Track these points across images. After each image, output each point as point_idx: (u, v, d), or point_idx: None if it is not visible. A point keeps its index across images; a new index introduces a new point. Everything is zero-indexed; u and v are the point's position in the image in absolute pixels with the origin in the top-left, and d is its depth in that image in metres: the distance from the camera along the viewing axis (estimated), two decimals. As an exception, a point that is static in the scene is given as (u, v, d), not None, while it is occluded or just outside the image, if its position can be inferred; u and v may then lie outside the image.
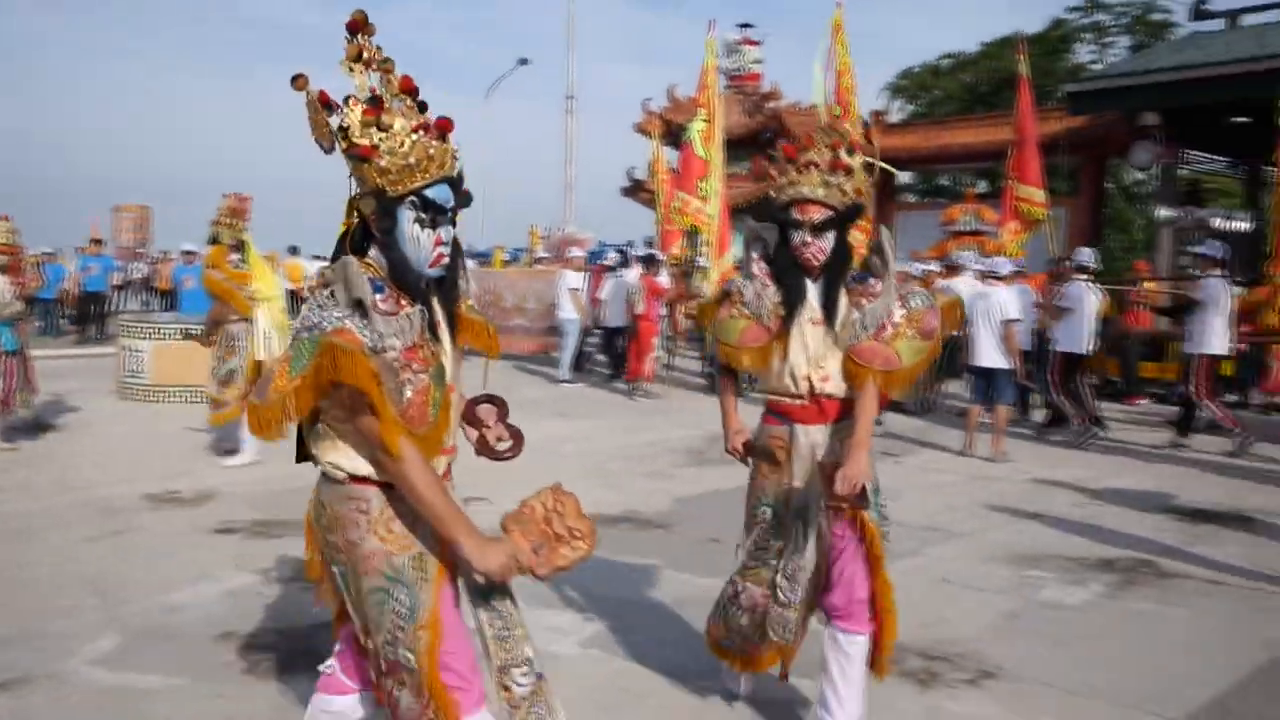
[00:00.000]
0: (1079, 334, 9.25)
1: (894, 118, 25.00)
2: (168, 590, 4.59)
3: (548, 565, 2.23)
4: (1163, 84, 13.59)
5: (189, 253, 14.09)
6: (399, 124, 2.11)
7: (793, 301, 2.99)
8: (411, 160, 2.12)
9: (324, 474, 2.25)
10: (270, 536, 5.54)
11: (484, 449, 2.52)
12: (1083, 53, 26.31)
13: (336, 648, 2.47)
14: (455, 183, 2.21)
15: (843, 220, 2.97)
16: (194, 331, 7.73)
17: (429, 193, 2.15)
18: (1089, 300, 9.33)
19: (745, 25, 21.97)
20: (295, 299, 19.92)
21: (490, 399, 2.56)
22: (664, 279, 12.28)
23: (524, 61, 32.99)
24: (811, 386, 2.99)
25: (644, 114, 21.96)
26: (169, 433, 8.71)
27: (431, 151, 2.14)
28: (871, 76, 49.40)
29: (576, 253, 13.33)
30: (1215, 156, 16.88)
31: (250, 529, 5.69)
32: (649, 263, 12.03)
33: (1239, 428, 8.70)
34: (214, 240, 7.52)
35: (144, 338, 10.47)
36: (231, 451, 7.55)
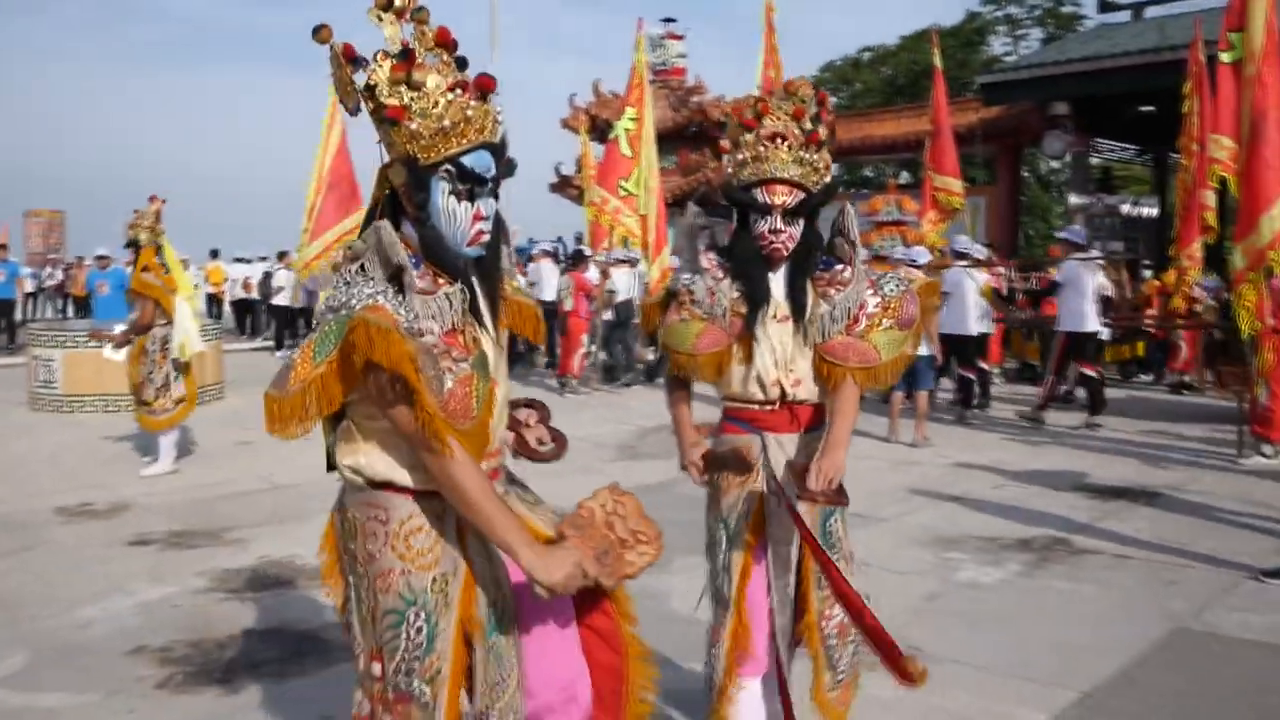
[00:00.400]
0: (959, 318, 9.59)
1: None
2: (78, 606, 4.46)
3: (614, 574, 2.02)
4: (1072, 75, 14.00)
5: (103, 258, 13.67)
6: (433, 81, 1.87)
7: (757, 297, 2.62)
8: (446, 123, 1.87)
9: (345, 480, 2.02)
10: (186, 547, 5.42)
11: (523, 449, 2.29)
12: (997, 45, 26.96)
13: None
14: (497, 150, 1.95)
15: (816, 203, 2.61)
16: (106, 331, 7.51)
17: (466, 160, 1.89)
18: (967, 285, 9.64)
19: (669, 20, 22.07)
20: (215, 302, 19.52)
21: (530, 403, 2.34)
22: (593, 275, 12.26)
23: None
24: (783, 391, 2.65)
25: (571, 109, 21.92)
26: (83, 443, 8.46)
27: (469, 113, 1.89)
28: (794, 70, 49.95)
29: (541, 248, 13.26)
30: (1125, 145, 17.45)
31: (166, 540, 5.56)
32: (577, 259, 12.00)
33: (1043, 406, 9.48)
34: (133, 244, 7.32)
35: (55, 346, 10.14)
36: (152, 459, 7.39)
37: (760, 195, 2.56)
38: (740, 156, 2.61)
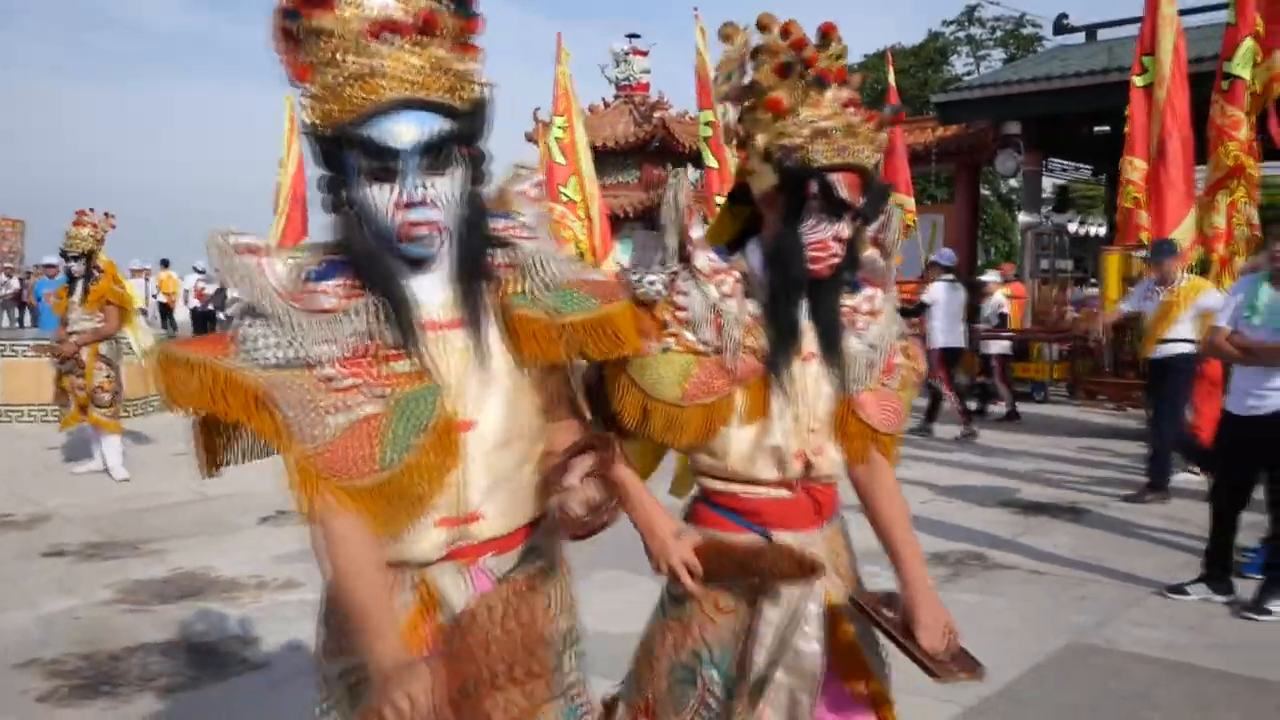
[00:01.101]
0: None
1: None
2: (-23, 618, 4.40)
3: None
4: (1025, 94, 14.18)
5: (51, 266, 13.54)
6: (351, 15, 1.39)
7: (790, 328, 1.81)
8: (348, 74, 1.39)
9: None
10: (101, 559, 5.36)
11: (564, 519, 1.55)
12: (960, 65, 27.29)
13: None
14: (450, 112, 1.46)
15: (872, 206, 1.83)
16: (49, 343, 7.72)
17: (374, 128, 1.41)
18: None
19: (633, 35, 22.17)
20: (166, 311, 19.33)
21: (591, 445, 1.58)
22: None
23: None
24: (807, 465, 1.87)
25: (534, 122, 21.95)
26: (15, 453, 8.35)
27: (385, 61, 1.39)
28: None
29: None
30: (1079, 164, 17.69)
31: (81, 551, 5.50)
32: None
33: (965, 420, 9.83)
34: (86, 255, 7.31)
35: (-5, 355, 10.01)
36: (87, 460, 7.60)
37: (840, 187, 1.73)
38: (800, 115, 1.72)
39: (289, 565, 5.20)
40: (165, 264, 18.83)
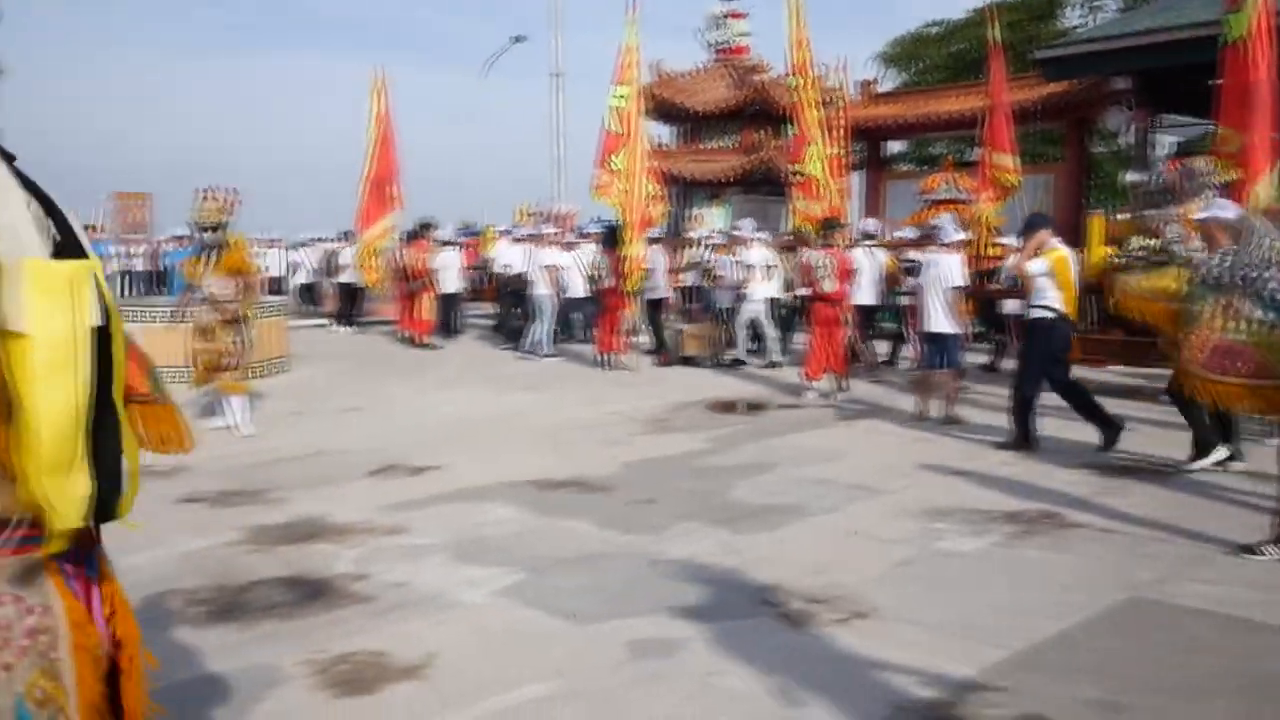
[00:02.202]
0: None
1: (885, 87, 25.05)
2: (128, 554, 4.93)
3: None
4: (1131, 48, 13.70)
5: (181, 237, 14.48)
6: None
7: None
8: None
9: None
10: (230, 505, 5.93)
11: None
12: (1073, 17, 26.26)
13: None
14: None
15: None
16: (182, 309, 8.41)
17: None
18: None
19: (731, -3, 22.11)
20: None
21: None
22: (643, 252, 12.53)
23: (519, 39, 33.10)
24: None
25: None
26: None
27: None
28: (855, 48, 49.44)
29: (549, 229, 13.63)
30: (1197, 120, 16.97)
31: (214, 498, 6.08)
32: (612, 237, 12.28)
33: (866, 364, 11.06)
34: (219, 226, 7.91)
35: (134, 321, 10.87)
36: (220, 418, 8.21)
37: None
38: None
39: (395, 514, 5.67)
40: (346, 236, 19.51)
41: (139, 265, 21.40)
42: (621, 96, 11.51)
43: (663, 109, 21.46)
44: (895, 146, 24.00)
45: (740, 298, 12.35)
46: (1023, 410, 7.51)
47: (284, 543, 5.16)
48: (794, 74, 11.53)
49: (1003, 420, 7.78)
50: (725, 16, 21.92)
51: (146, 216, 23.18)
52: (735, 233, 13.39)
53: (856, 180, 18.57)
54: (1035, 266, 7.54)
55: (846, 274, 10.12)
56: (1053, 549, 5.04)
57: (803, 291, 13.63)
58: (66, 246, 1.37)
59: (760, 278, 12.18)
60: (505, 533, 5.34)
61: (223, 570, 4.73)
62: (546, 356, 12.99)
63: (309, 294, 19.43)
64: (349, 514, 5.67)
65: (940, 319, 8.76)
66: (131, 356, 1.54)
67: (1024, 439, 7.46)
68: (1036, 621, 4.01)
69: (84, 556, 1.45)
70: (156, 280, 20.07)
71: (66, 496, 1.31)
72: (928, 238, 11.24)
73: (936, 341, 8.88)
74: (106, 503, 1.41)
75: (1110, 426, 7.41)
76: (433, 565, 4.79)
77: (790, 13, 11.26)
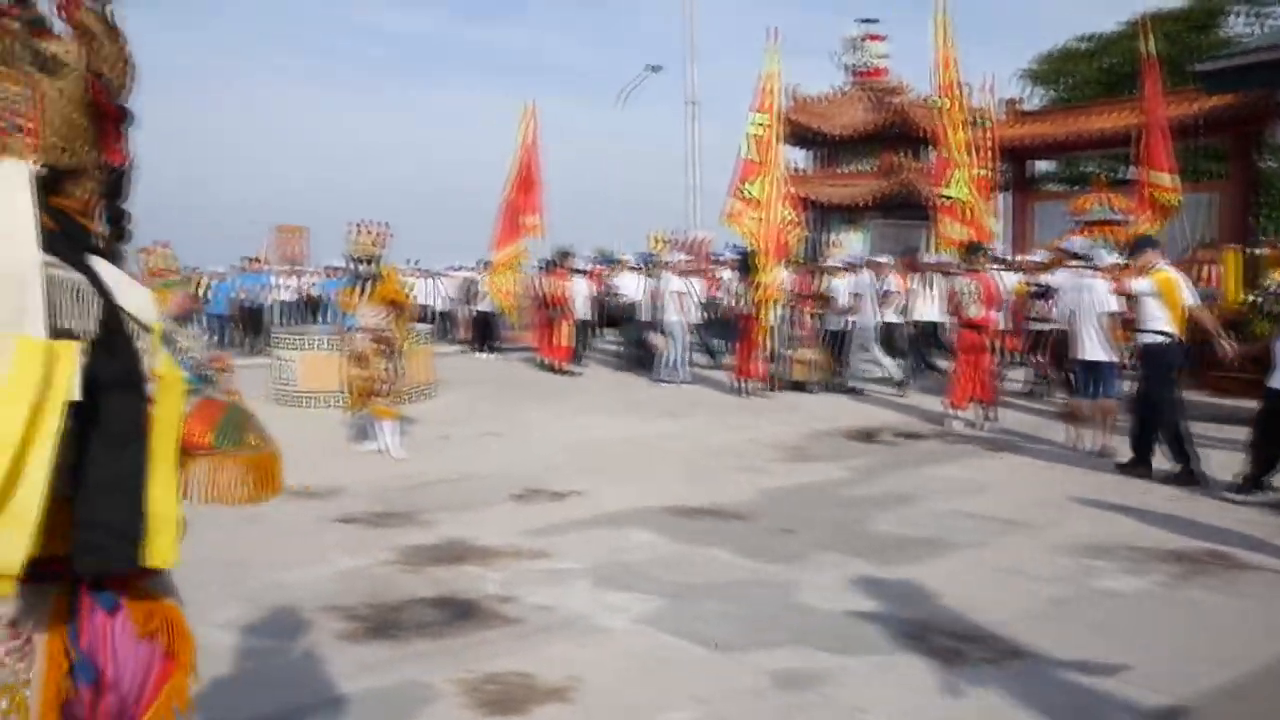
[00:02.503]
0: None
1: (1032, 104, 24.27)
2: (287, 570, 5.24)
3: None
4: (1302, 58, 12.87)
5: (336, 268, 15.22)
6: None
7: None
8: None
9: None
10: (383, 526, 6.16)
11: None
12: (1236, 25, 24.84)
13: None
14: None
15: None
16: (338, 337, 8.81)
17: None
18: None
19: (869, 20, 21.89)
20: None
21: None
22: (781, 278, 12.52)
23: (655, 68, 33.53)
24: None
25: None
26: (313, 434, 9.57)
27: None
28: (1000, 64, 48.02)
29: (679, 257, 13.73)
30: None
31: (367, 520, 6.34)
32: (747, 263, 12.27)
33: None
34: (371, 259, 8.30)
35: (294, 348, 11.50)
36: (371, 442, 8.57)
37: None
38: None
39: (538, 538, 5.80)
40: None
41: (286, 295, 22.70)
42: (760, 124, 11.52)
43: (798, 134, 21.38)
44: (1042, 166, 23.22)
45: (852, 324, 12.34)
46: (1177, 441, 7.22)
47: (434, 564, 5.34)
48: (940, 94, 11.29)
49: (1164, 453, 7.38)
50: (863, 39, 21.71)
51: (304, 248, 24.51)
52: (847, 259, 13.42)
53: (1002, 202, 18.01)
54: (1140, 286, 7.46)
55: (992, 300, 9.82)
56: (1223, 591, 4.75)
57: (928, 318, 13.42)
58: (109, 322, 1.50)
59: (870, 303, 12.16)
60: (646, 559, 5.39)
61: (377, 589, 4.92)
62: (682, 382, 13.05)
63: (445, 321, 20.12)
64: (494, 537, 5.82)
65: (1094, 346, 8.39)
66: (195, 413, 1.63)
67: (1189, 473, 7.10)
68: (1204, 668, 3.78)
69: (96, 595, 1.55)
70: (313, 309, 21.17)
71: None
72: (1057, 260, 10.90)
73: (1090, 370, 8.51)
74: (112, 549, 1.50)
75: (1189, 465, 7.14)
76: (576, 589, 4.87)
77: (937, 33, 11.05)
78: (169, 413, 1.57)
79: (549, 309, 14.96)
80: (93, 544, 1.49)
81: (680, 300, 13.01)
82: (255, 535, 5.96)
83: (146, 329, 1.56)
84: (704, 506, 6.56)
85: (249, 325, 19.66)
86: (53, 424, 1.39)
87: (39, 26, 1.52)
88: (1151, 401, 7.45)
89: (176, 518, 1.58)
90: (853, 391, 12.08)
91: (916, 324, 13.35)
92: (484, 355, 17.27)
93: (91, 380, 1.44)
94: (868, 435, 9.43)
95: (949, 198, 11.32)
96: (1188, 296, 7.52)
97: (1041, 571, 5.07)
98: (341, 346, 8.62)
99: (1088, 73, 26.30)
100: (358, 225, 8.38)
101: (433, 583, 5.00)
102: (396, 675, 3.84)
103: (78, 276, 1.48)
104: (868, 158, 21.32)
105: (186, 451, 1.63)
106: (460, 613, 4.56)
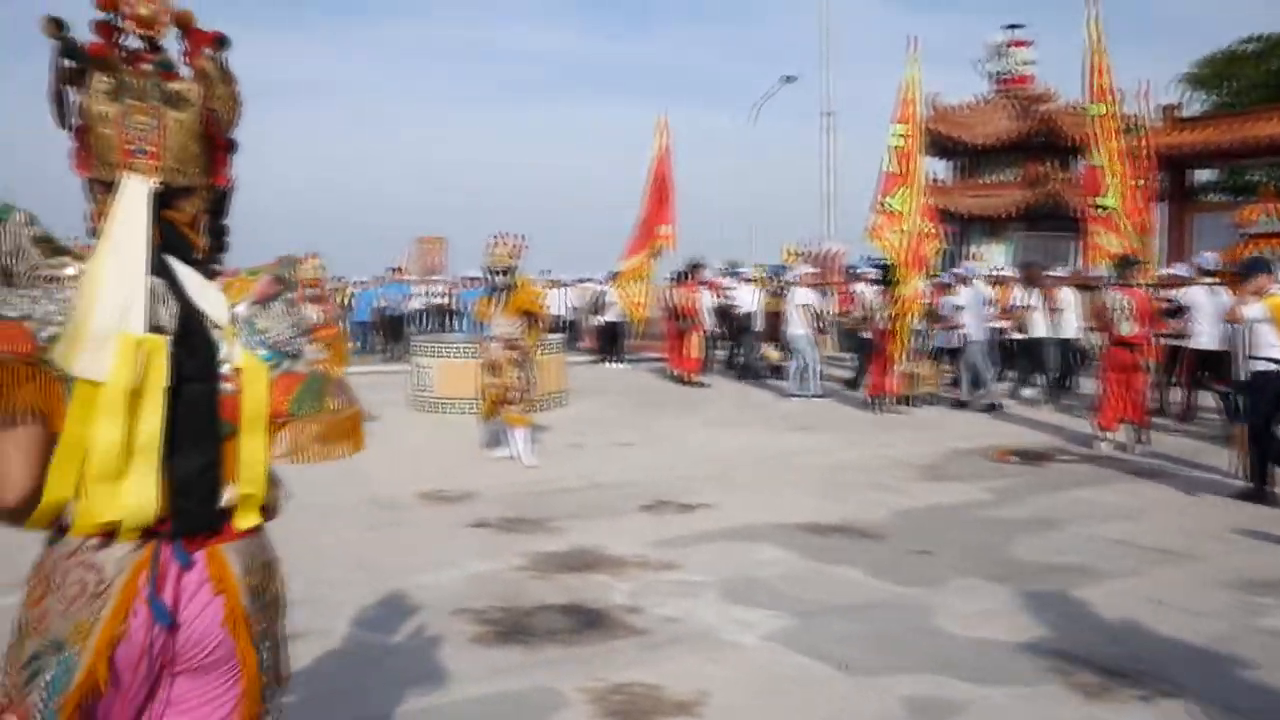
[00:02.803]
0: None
1: (1191, 110, 23.01)
2: (423, 572, 5.38)
3: None
4: None
5: (474, 278, 15.64)
6: None
7: None
8: None
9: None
10: (514, 532, 6.27)
11: None
12: None
13: None
14: None
15: None
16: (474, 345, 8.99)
17: None
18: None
19: (1014, 26, 21.16)
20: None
21: None
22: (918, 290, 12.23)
23: (790, 79, 33.30)
24: None
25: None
26: (448, 440, 9.85)
27: None
28: (1166, 68, 45.56)
29: (806, 269, 13.52)
30: None
31: (499, 525, 6.46)
32: (889, 276, 11.99)
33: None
34: (508, 270, 8.50)
35: (431, 356, 11.86)
36: (504, 448, 8.74)
37: None
38: None
39: (667, 549, 5.79)
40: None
41: (421, 304, 23.38)
42: (900, 135, 11.25)
43: (938, 143, 20.86)
44: (1202, 176, 21.98)
45: (962, 338, 12.11)
46: (1262, 462, 7.10)
47: (563, 571, 5.39)
48: (1094, 101, 10.78)
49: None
50: (1007, 45, 21.01)
51: (444, 259, 25.30)
52: (957, 272, 13.10)
53: (1157, 213, 17.11)
54: (1252, 312, 7.16)
55: (1147, 316, 9.31)
56: None
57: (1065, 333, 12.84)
58: (186, 321, 1.78)
59: (974, 318, 12.01)
60: (775, 574, 5.31)
61: (508, 593, 5.00)
62: (814, 396, 12.85)
63: (572, 331, 20.44)
64: (623, 547, 5.84)
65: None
66: (276, 386, 1.85)
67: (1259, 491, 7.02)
68: (1391, 721, 3.46)
69: (174, 549, 1.76)
70: (451, 317, 21.82)
71: (123, 497, 1.67)
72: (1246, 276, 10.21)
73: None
74: (197, 512, 1.77)
75: (1262, 485, 7.05)
76: (704, 603, 4.83)
77: (1090, 38, 10.56)
78: (255, 395, 1.81)
79: (679, 320, 14.99)
80: (180, 508, 1.74)
81: (805, 314, 12.80)
82: (393, 538, 6.18)
83: (219, 327, 1.82)
84: (836, 524, 6.43)
85: (389, 333, 20.42)
86: (155, 403, 1.69)
87: (167, 69, 1.82)
88: (1254, 432, 7.20)
89: (261, 487, 1.82)
90: (991, 409, 11.68)
91: (1031, 340, 12.80)
92: (613, 365, 17.44)
93: (178, 368, 1.73)
94: (1010, 455, 9.07)
95: (1104, 208, 10.79)
96: None
97: (1199, 606, 4.76)
98: (477, 355, 8.84)
99: (1254, 76, 24.76)
100: (496, 237, 8.57)
101: (562, 590, 5.06)
102: (526, 680, 3.89)
103: (158, 281, 1.76)
104: (1011, 167, 20.63)
105: (273, 421, 1.84)
106: (589, 621, 4.59)
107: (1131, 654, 4.10)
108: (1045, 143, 19.77)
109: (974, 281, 12.62)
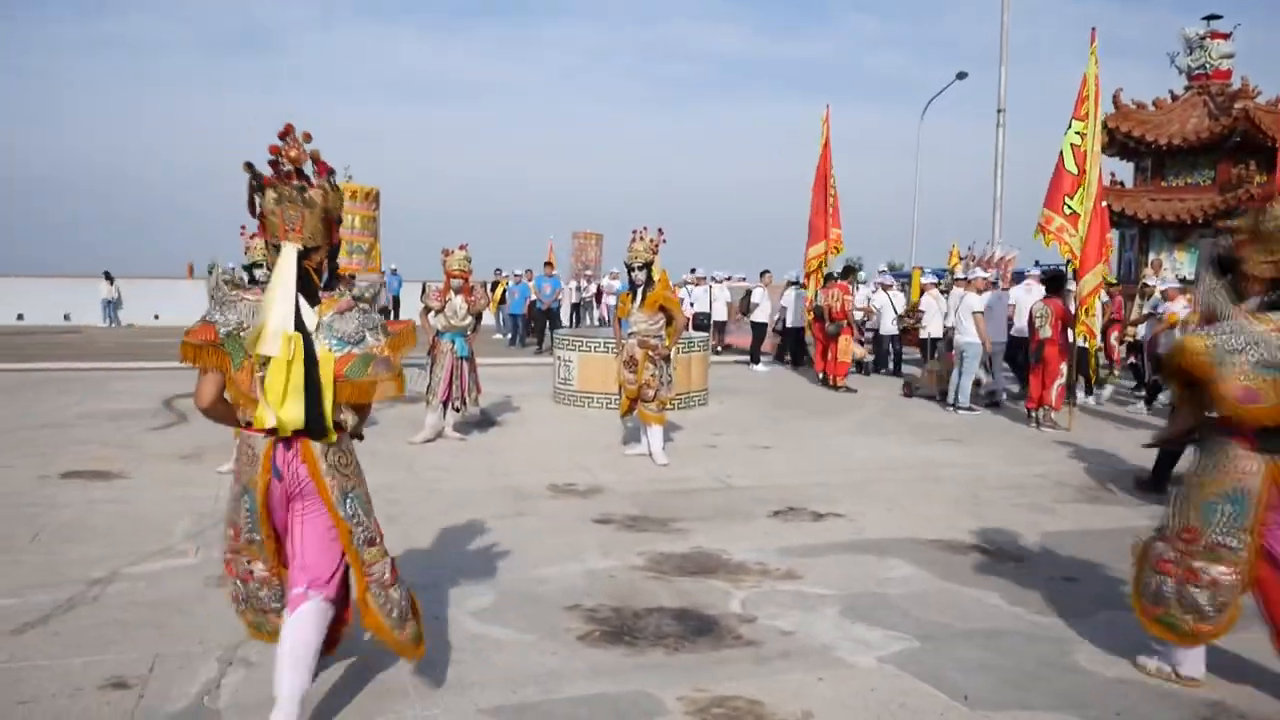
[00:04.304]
0: None
1: None
2: (541, 565, 5.36)
3: None
4: None
5: (617, 274, 15.68)
6: None
7: None
8: None
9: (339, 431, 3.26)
10: (637, 530, 6.18)
11: None
12: None
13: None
14: None
15: None
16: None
17: None
18: None
19: (1212, 17, 19.58)
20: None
21: None
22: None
23: (962, 76, 32.11)
24: None
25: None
26: (584, 433, 9.88)
27: None
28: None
29: (979, 273, 12.83)
30: None
31: (623, 522, 6.39)
32: (1056, 283, 11.28)
33: None
34: (645, 265, 8.42)
35: (573, 349, 11.95)
36: (636, 445, 8.72)
37: None
38: None
39: (791, 558, 5.58)
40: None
41: (573, 298, 23.58)
42: (1079, 132, 10.56)
43: (1119, 142, 19.60)
44: None
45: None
46: None
47: (680, 574, 5.27)
48: None
49: None
50: (1204, 38, 19.49)
51: (599, 254, 25.50)
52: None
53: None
54: None
55: None
56: None
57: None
58: (304, 326, 3.16)
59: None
60: (904, 593, 5.02)
61: (622, 592, 4.92)
62: (969, 408, 12.23)
63: (719, 330, 20.23)
64: (745, 553, 5.67)
65: None
66: (338, 363, 3.16)
67: None
68: None
69: (290, 443, 3.20)
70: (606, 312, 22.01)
71: (283, 414, 3.10)
72: None
73: None
74: (312, 426, 3.16)
75: None
76: (823, 617, 4.61)
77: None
78: (326, 371, 3.16)
79: (828, 323, 14.59)
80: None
81: (978, 320, 12.13)
82: (520, 527, 6.20)
83: (309, 332, 3.18)
84: (976, 543, 6.06)
85: (541, 326, 20.75)
86: (299, 368, 3.11)
87: (305, 180, 3.24)
88: None
89: (331, 417, 3.19)
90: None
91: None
92: (756, 368, 17.14)
93: (307, 352, 3.17)
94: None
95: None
96: None
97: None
98: (616, 350, 8.82)
99: None
100: (635, 232, 8.52)
101: (677, 593, 4.93)
102: (626, 684, 3.79)
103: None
104: (1200, 169, 19.15)
105: (336, 381, 3.16)
106: (700, 627, 4.44)
107: (1303, 711, 3.64)
108: (1241, 142, 18.25)
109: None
